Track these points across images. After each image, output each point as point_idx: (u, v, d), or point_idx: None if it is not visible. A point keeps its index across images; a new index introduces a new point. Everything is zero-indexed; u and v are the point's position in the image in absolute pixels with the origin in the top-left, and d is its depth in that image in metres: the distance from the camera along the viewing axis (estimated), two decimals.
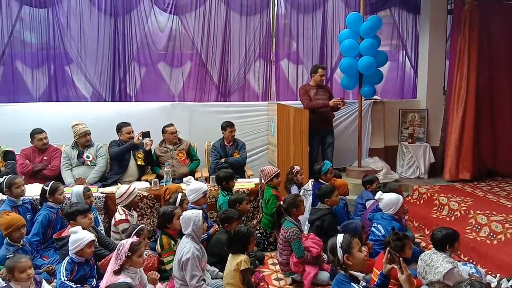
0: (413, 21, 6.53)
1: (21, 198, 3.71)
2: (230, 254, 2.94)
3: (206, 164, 5.36)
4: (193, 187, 3.71)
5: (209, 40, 5.82)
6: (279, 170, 4.19)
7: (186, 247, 2.83)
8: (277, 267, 3.52)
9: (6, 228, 3.07)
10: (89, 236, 2.92)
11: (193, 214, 2.97)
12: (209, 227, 3.67)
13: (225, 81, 5.97)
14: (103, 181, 4.61)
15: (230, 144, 5.15)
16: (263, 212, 4.15)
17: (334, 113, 5.67)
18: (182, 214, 3.05)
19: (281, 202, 3.51)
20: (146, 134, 4.73)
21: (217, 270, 3.17)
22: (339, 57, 6.03)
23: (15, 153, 4.65)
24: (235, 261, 2.84)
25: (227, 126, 5.13)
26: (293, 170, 4.31)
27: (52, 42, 5.52)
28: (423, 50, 6.32)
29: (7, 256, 2.95)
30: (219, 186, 4.10)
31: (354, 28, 5.23)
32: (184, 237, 2.94)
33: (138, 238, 2.76)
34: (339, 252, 2.31)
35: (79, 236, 2.87)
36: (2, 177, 3.84)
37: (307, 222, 3.86)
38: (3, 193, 3.71)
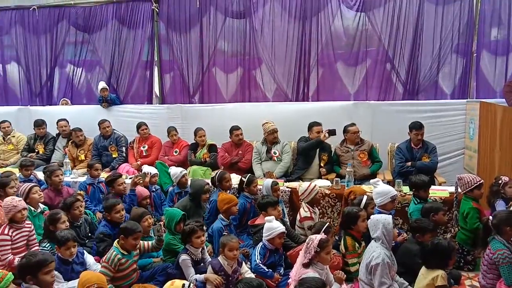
0: None
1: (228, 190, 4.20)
2: (423, 267, 2.68)
3: (389, 167, 5.07)
4: (380, 189, 3.53)
5: (398, 35, 5.45)
6: (482, 180, 3.58)
7: (375, 252, 2.71)
8: None
9: (227, 203, 3.60)
10: (281, 227, 3.12)
11: (382, 217, 2.84)
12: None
13: (414, 78, 5.49)
14: (287, 176, 4.90)
15: (418, 146, 4.71)
16: (458, 225, 3.63)
17: None
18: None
19: (490, 217, 2.98)
20: (332, 132, 4.77)
21: (407, 283, 2.91)
22: None
23: (217, 146, 5.39)
24: (430, 276, 2.58)
25: (413, 127, 4.70)
26: (500, 181, 3.62)
27: (247, 48, 6.12)
28: None
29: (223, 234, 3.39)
30: (412, 191, 3.78)
31: None
32: (373, 241, 2.82)
33: (326, 236, 2.77)
34: None
35: (273, 225, 3.10)
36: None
37: None
38: (215, 186, 4.21)
